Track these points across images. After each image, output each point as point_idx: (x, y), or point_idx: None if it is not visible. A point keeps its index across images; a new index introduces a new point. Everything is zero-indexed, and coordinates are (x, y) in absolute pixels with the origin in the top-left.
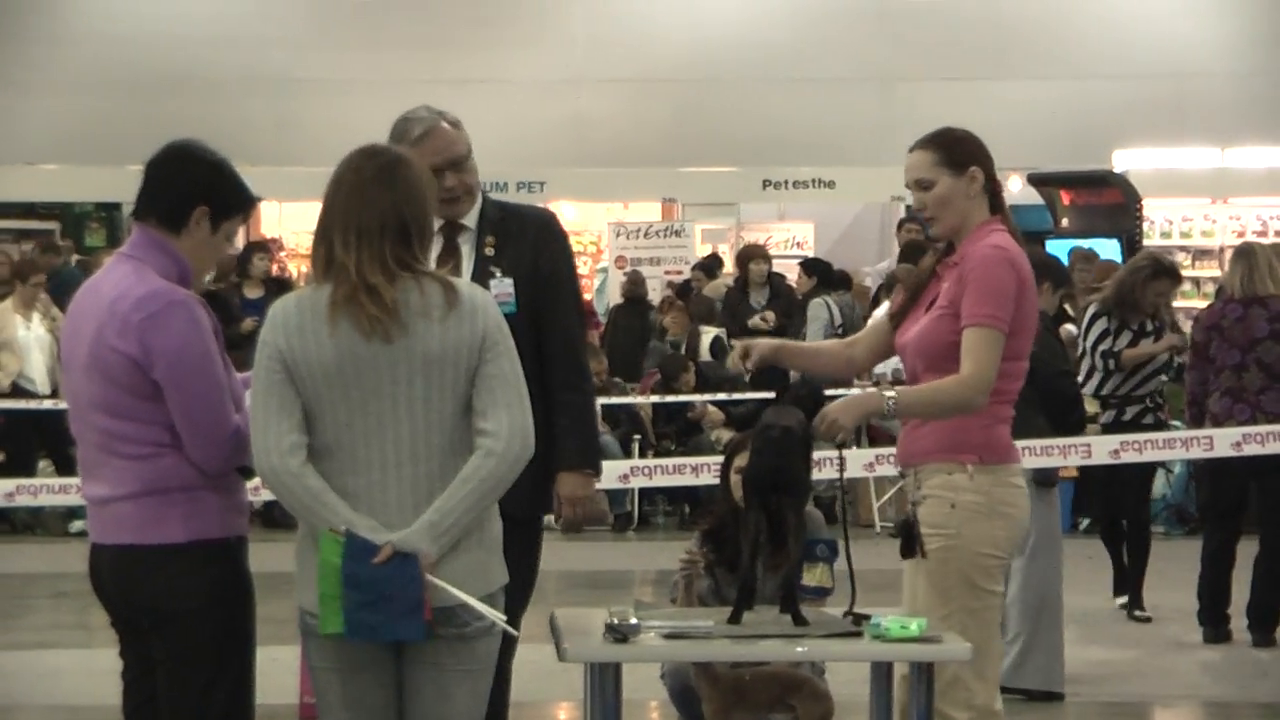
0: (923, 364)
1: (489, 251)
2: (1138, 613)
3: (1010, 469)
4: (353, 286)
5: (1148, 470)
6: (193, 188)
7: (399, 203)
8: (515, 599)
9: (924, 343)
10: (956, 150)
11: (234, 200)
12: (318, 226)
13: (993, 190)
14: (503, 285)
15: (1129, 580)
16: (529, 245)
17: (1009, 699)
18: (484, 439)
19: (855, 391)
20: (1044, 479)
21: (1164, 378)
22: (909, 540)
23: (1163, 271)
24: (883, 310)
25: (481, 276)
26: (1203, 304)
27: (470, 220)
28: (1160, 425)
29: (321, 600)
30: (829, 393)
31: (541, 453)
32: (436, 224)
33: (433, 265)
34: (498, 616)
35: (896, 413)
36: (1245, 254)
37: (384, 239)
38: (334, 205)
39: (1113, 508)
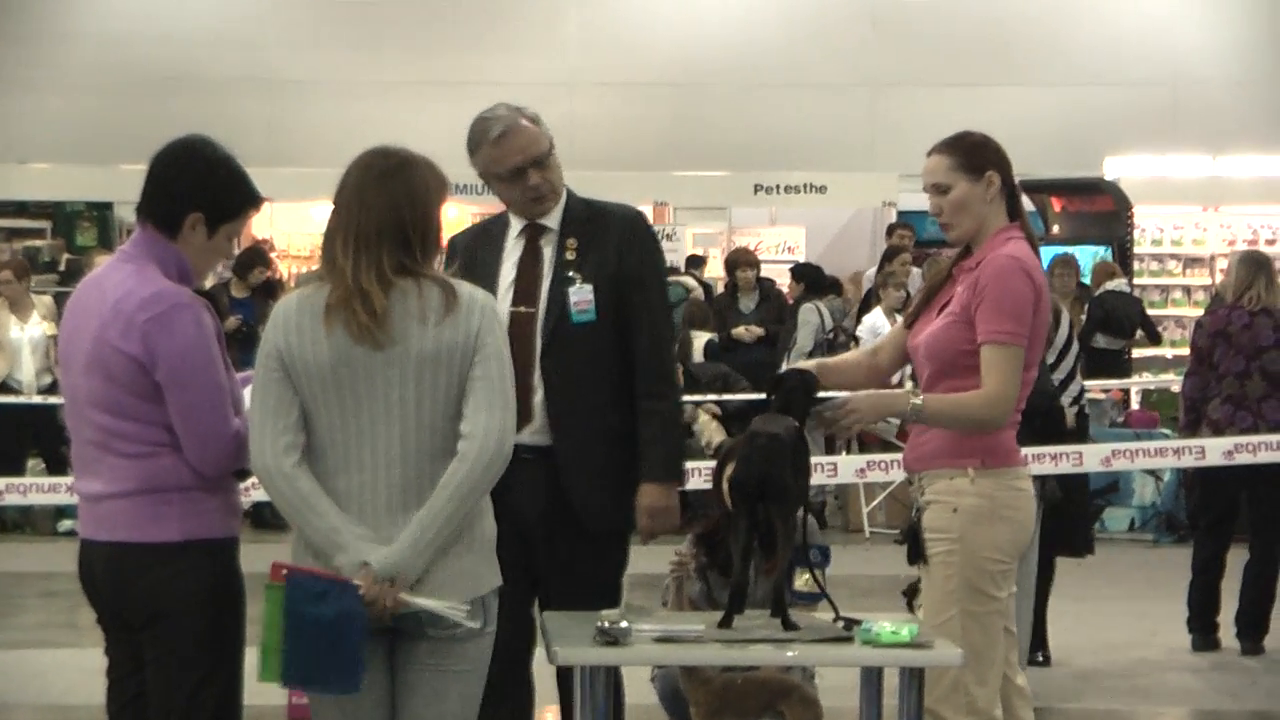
0: (932, 368)
1: (569, 255)
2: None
3: (1014, 472)
4: (346, 291)
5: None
6: (184, 195)
7: (399, 206)
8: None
9: (934, 347)
10: (974, 155)
11: (229, 204)
12: (326, 227)
13: (1010, 195)
14: (582, 292)
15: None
16: (612, 247)
17: None
18: (461, 442)
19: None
20: (1043, 495)
21: None
22: (914, 546)
23: None
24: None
25: (560, 282)
26: (1194, 312)
27: (553, 221)
28: None
29: (261, 650)
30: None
31: (625, 462)
32: (519, 225)
33: (513, 270)
34: (456, 607)
35: (919, 418)
36: (1262, 264)
37: (381, 244)
38: (338, 207)
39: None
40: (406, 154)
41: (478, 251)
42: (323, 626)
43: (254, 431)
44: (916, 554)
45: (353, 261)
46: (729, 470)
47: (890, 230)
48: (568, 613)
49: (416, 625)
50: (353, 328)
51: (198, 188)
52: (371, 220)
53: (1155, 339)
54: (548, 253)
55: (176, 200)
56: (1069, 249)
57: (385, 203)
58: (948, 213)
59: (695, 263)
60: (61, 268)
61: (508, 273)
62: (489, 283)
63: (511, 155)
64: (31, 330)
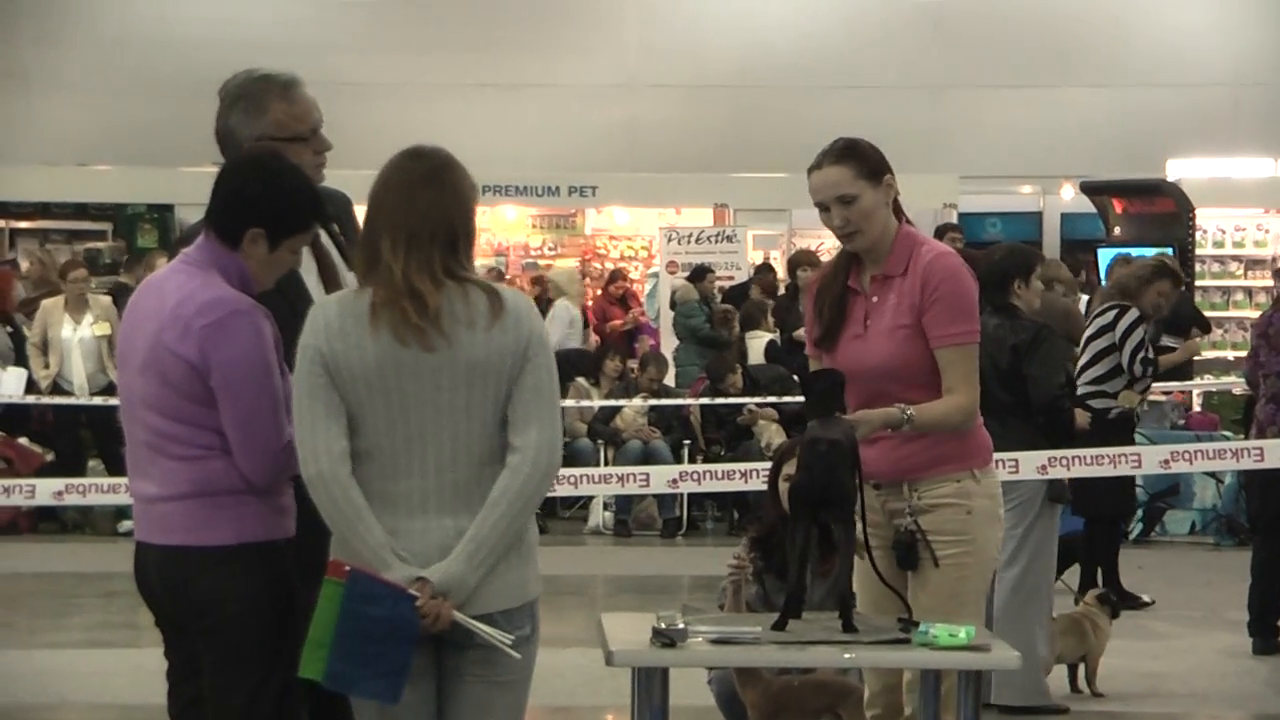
0: (898, 385)
1: (340, 239)
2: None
3: (994, 470)
4: (395, 291)
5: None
6: (245, 209)
7: (449, 207)
8: None
9: (897, 364)
10: (871, 161)
11: (291, 221)
12: (364, 228)
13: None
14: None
15: (1105, 576)
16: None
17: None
18: (512, 455)
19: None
20: (1058, 495)
21: None
22: (914, 551)
23: (1165, 273)
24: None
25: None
26: (1255, 314)
27: None
28: None
29: (308, 645)
30: None
31: None
32: None
33: (309, 257)
34: (503, 639)
35: (912, 428)
36: None
37: (433, 245)
38: (381, 206)
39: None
40: (446, 154)
41: None
42: (375, 630)
43: (305, 436)
44: (914, 559)
45: (403, 261)
46: (786, 470)
47: (941, 232)
48: (624, 614)
49: (465, 635)
50: (401, 330)
51: (258, 203)
52: (422, 220)
53: (1206, 328)
54: (324, 236)
55: (237, 214)
56: (1130, 250)
57: (437, 203)
58: (856, 222)
59: (764, 269)
60: (122, 270)
61: (307, 260)
62: (291, 274)
63: (309, 110)
64: (83, 331)
